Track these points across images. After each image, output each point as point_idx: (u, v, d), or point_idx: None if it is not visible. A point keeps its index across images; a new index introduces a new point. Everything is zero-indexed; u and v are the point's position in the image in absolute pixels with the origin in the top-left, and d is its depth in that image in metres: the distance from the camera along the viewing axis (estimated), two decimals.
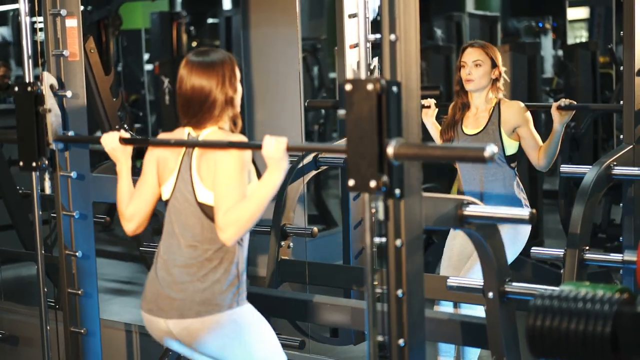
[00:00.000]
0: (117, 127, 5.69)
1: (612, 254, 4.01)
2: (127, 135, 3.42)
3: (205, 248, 3.12)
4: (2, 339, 5.08)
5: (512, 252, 4.27)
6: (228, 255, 3.12)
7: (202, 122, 3.16)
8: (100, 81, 5.57)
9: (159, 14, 11.53)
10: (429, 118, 4.61)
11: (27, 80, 3.79)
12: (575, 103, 4.43)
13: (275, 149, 2.99)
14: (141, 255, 6.48)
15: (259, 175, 3.15)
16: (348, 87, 2.67)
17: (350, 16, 4.74)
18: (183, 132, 3.23)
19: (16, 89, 3.80)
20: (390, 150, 2.66)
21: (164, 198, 3.23)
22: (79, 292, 3.99)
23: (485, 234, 3.13)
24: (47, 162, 3.80)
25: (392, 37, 2.78)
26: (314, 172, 4.65)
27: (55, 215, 4.06)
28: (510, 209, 3.10)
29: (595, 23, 10.52)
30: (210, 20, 14.20)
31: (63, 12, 3.88)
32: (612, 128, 8.59)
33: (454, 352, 4.48)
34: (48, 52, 3.93)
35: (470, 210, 3.03)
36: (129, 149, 3.40)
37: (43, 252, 3.97)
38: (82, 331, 4.02)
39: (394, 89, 2.69)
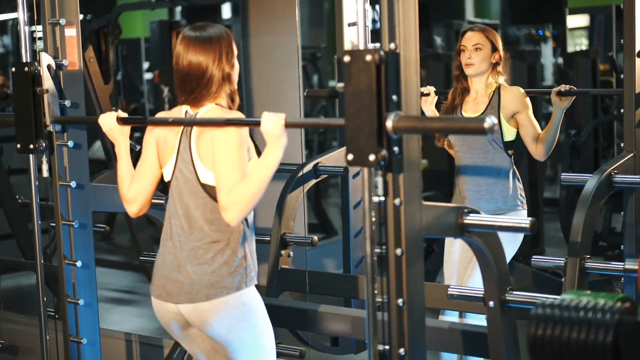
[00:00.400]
0: None
1: (613, 263, 4.00)
2: (124, 115, 3.39)
3: (211, 229, 3.09)
4: (1, 348, 5.06)
5: (509, 251, 4.24)
6: (234, 235, 3.10)
7: (200, 99, 3.14)
8: (99, 90, 5.56)
9: (158, 23, 11.54)
10: (429, 106, 4.57)
11: (24, 60, 3.78)
12: (575, 88, 4.37)
13: (274, 125, 2.96)
14: (141, 265, 6.48)
15: (258, 152, 3.14)
16: (346, 58, 2.64)
17: (350, 25, 4.73)
18: (181, 110, 3.20)
19: (13, 69, 3.78)
20: (389, 123, 2.63)
21: (166, 179, 3.21)
22: (79, 301, 3.98)
23: (485, 243, 3.12)
24: (44, 144, 3.78)
25: (392, 45, 2.78)
26: (314, 181, 4.64)
27: (54, 224, 4.04)
28: (511, 218, 3.09)
29: (595, 31, 10.52)
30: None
31: (62, 21, 3.87)
32: (612, 136, 8.60)
33: None
34: None
35: (470, 219, 3.01)
36: (127, 129, 3.37)
37: (42, 261, 3.96)
38: (82, 341, 4.01)
39: (394, 58, 2.66)
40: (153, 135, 3.23)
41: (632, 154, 4.03)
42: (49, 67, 3.79)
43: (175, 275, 3.12)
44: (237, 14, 12.72)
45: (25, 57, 3.80)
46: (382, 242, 2.78)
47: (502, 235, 3.19)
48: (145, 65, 12.05)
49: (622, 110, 4.14)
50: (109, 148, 5.71)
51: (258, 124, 2.98)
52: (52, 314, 4.58)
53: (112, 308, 6.56)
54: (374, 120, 2.63)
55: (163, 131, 3.21)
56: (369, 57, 2.62)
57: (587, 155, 7.68)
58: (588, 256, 3.80)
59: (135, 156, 6.00)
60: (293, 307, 4.16)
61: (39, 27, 4.00)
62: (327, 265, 7.15)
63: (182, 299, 3.10)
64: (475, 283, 4.17)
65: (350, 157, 2.67)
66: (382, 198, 2.72)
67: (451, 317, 4.37)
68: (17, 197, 6.53)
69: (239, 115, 3.11)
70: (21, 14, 3.82)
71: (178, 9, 13.57)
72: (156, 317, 3.27)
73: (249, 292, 3.14)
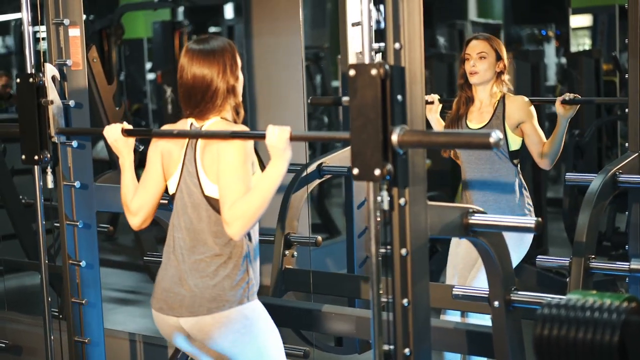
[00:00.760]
0: None
1: (618, 263, 3.99)
2: (129, 126, 3.38)
3: (213, 243, 3.09)
4: (5, 348, 5.06)
5: (516, 257, 4.23)
6: (237, 249, 3.09)
7: (205, 113, 3.13)
8: (103, 90, 5.56)
9: (161, 23, 11.56)
10: (433, 114, 4.56)
11: (28, 71, 3.78)
12: (580, 97, 4.35)
13: (279, 138, 2.96)
14: (145, 265, 6.48)
15: (262, 166, 3.13)
16: (352, 72, 2.64)
17: (354, 24, 4.73)
18: (186, 123, 3.19)
19: (18, 80, 3.77)
20: (394, 137, 2.63)
21: (170, 192, 3.20)
22: (83, 301, 3.98)
23: (490, 243, 3.11)
24: (49, 155, 3.78)
25: (397, 45, 2.77)
26: (317, 181, 4.64)
27: (58, 224, 4.04)
28: (516, 218, 3.09)
29: (598, 31, 10.51)
30: (212, 30, 14.22)
31: (66, 21, 3.86)
32: (616, 136, 8.60)
33: None
34: (51, 62, 3.91)
35: (475, 219, 3.01)
36: (132, 141, 3.35)
37: (47, 261, 3.96)
38: (86, 341, 4.00)
39: (399, 72, 2.66)
40: (158, 147, 3.22)
41: (636, 154, 4.03)
42: (53, 78, 3.79)
43: (176, 289, 3.11)
44: (238, 15, 12.73)
45: (29, 59, 3.80)
46: (387, 242, 2.77)
47: (508, 241, 3.19)
48: (148, 65, 12.05)
49: (626, 110, 4.14)
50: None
51: (263, 137, 2.97)
52: (56, 314, 4.58)
53: (116, 308, 6.56)
54: (380, 135, 2.62)
55: (168, 144, 3.20)
56: (374, 72, 2.62)
57: (591, 155, 7.68)
58: (593, 256, 3.79)
59: (139, 157, 6.01)
60: (297, 307, 4.16)
61: (42, 27, 3.99)
62: (331, 265, 7.14)
63: (184, 312, 3.09)
64: (478, 284, 4.16)
65: (355, 171, 2.67)
66: (387, 199, 2.72)
67: (453, 316, 4.37)
68: (21, 197, 6.53)
69: (244, 128, 3.09)
70: (25, 14, 3.81)
71: (181, 9, 13.59)
72: None
73: (251, 306, 3.13)
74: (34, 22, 3.91)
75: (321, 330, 4.14)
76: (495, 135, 2.49)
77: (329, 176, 4.73)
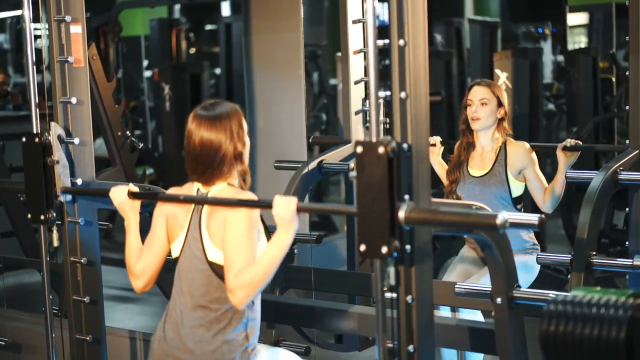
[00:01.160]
0: (119, 133, 5.68)
1: (619, 259, 4.01)
2: (135, 189, 3.39)
3: (214, 308, 3.08)
4: (4, 346, 5.05)
5: (524, 281, 4.21)
6: (237, 315, 3.08)
7: (212, 178, 3.12)
8: (102, 88, 5.54)
9: (158, 20, 11.54)
10: (435, 157, 4.59)
11: (34, 131, 3.79)
12: (581, 143, 4.33)
13: (285, 210, 2.94)
14: None
15: (267, 232, 3.13)
16: (359, 149, 2.67)
17: (354, 22, 4.74)
18: (192, 188, 3.18)
19: (24, 139, 3.79)
20: (401, 214, 2.66)
21: (174, 255, 3.19)
22: (85, 299, 3.97)
23: (493, 239, 3.12)
24: (54, 214, 3.79)
25: (401, 42, 2.78)
26: (319, 178, 4.64)
27: (59, 222, 4.03)
28: (519, 215, 3.08)
29: (594, 29, 10.52)
30: (209, 27, 14.21)
31: (68, 18, 3.85)
32: (613, 134, 8.61)
33: (457, 358, 4.46)
34: (52, 59, 3.91)
35: None
36: (138, 204, 3.36)
37: (48, 259, 3.95)
38: (88, 339, 4.00)
39: (405, 151, 2.71)
40: (164, 210, 3.21)
41: (637, 151, 4.04)
42: (59, 137, 3.80)
43: (175, 352, 3.11)
44: (236, 12, 12.73)
45: (30, 57, 3.79)
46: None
47: (517, 266, 3.24)
48: (145, 62, 12.04)
49: (627, 107, 4.15)
50: (111, 144, 5.69)
51: (270, 206, 2.96)
52: (56, 311, 4.57)
53: (114, 306, 6.55)
54: (387, 212, 2.65)
55: (173, 207, 3.19)
56: (381, 150, 2.64)
57: (588, 152, 7.68)
58: (594, 253, 3.80)
59: (138, 156, 6.00)
60: (298, 304, 4.16)
61: (39, 25, 3.98)
62: (329, 262, 7.14)
63: None
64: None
65: (362, 247, 2.69)
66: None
67: (443, 311, 4.37)
68: (19, 194, 6.51)
69: (250, 196, 3.09)
70: (26, 12, 3.80)
71: (178, 6, 13.58)
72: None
73: None
74: (33, 19, 3.91)
75: (322, 328, 4.14)
76: (502, 218, 2.59)
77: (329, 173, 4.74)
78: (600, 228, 6.90)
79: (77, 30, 3.88)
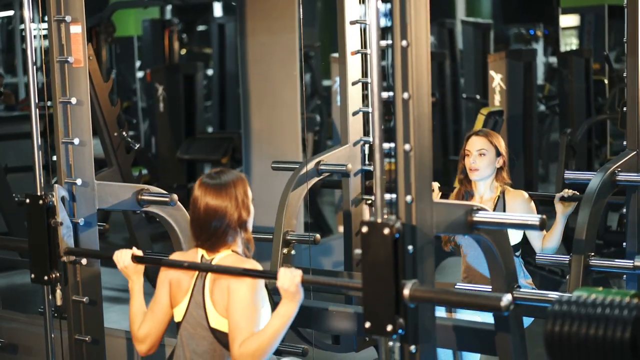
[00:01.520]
0: (115, 133, 5.67)
1: (618, 260, 4.02)
2: (139, 252, 3.39)
3: None
4: (1, 347, 5.04)
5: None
6: None
7: (216, 246, 3.13)
8: (99, 88, 5.52)
9: (150, 21, 11.53)
10: None
11: (38, 193, 3.79)
12: (578, 194, 4.20)
13: (290, 282, 2.96)
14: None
15: (271, 299, 3.13)
16: (364, 229, 2.70)
17: (351, 23, 4.74)
18: (196, 254, 3.18)
19: (27, 200, 3.79)
20: (406, 292, 2.69)
21: (176, 320, 3.19)
22: (84, 299, 3.97)
23: (494, 240, 3.13)
24: (58, 274, 3.79)
25: (404, 43, 2.78)
26: (316, 179, 4.63)
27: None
28: (520, 216, 3.10)
29: (586, 30, 10.56)
30: (201, 28, 14.21)
31: (68, 18, 3.84)
32: (605, 135, 8.65)
33: (452, 358, 4.46)
34: (52, 59, 3.89)
35: (479, 217, 3.02)
36: (141, 268, 3.36)
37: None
38: (87, 339, 3.99)
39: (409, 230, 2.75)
40: (168, 275, 3.21)
41: (634, 152, 4.05)
42: (62, 198, 3.80)
43: None
44: (228, 13, 12.72)
45: (31, 57, 3.78)
46: None
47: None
48: (138, 63, 12.03)
49: (624, 109, 4.16)
50: (107, 145, 5.68)
51: (275, 277, 2.98)
52: (52, 312, 4.56)
53: (110, 307, 6.53)
54: (392, 290, 2.68)
55: (177, 272, 3.19)
56: (386, 231, 2.67)
57: (581, 153, 7.72)
58: (592, 254, 3.82)
59: (135, 155, 5.97)
60: None
61: (34, 25, 3.97)
62: (324, 263, 7.15)
63: None
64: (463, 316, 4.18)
65: (367, 325, 2.72)
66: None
67: (438, 312, 4.36)
68: (14, 195, 6.50)
69: (255, 265, 3.09)
70: (27, 12, 3.79)
71: (170, 7, 13.56)
72: None
73: None
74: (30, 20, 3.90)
75: (320, 328, 4.14)
76: (506, 300, 2.61)
77: (327, 174, 4.73)
78: None
79: (77, 30, 3.87)
